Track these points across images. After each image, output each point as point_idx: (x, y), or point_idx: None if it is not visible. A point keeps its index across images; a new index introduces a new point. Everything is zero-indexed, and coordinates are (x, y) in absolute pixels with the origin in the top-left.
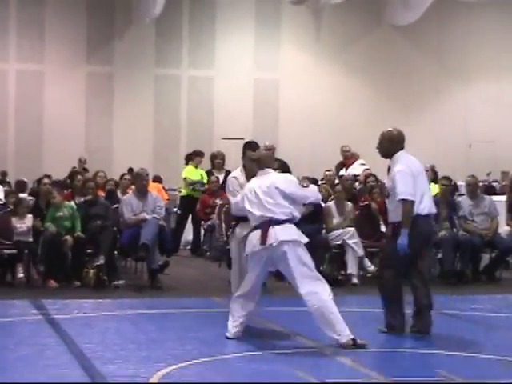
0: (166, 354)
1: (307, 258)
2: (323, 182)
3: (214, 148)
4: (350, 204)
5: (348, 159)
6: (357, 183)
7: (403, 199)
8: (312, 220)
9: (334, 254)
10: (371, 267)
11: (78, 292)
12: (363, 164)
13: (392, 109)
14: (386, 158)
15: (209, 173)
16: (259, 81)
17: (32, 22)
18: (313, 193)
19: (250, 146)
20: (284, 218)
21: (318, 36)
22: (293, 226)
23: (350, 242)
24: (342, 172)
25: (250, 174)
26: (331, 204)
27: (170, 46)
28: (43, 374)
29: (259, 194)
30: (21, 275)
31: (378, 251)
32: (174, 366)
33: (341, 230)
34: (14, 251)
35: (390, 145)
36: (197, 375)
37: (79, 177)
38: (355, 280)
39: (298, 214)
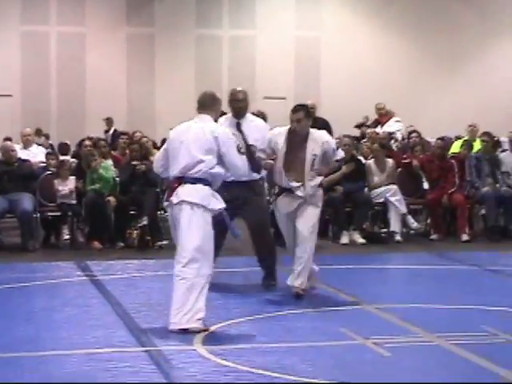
0: (209, 314)
1: (201, 227)
2: (365, 140)
3: (256, 107)
4: (390, 161)
5: (383, 117)
6: (392, 141)
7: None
8: (354, 178)
9: (377, 211)
10: (414, 224)
11: (121, 253)
12: (398, 121)
13: (434, 64)
14: (240, 116)
15: None
16: (301, 39)
17: None
18: (246, 166)
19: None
20: (198, 176)
21: None
22: (205, 188)
23: (392, 199)
24: (377, 130)
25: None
26: (371, 162)
27: (210, 6)
28: (89, 335)
29: (187, 140)
30: (65, 237)
31: (421, 208)
32: (218, 325)
33: (383, 188)
34: (58, 213)
35: (248, 104)
36: (240, 333)
37: (121, 140)
38: (398, 237)
39: (220, 173)
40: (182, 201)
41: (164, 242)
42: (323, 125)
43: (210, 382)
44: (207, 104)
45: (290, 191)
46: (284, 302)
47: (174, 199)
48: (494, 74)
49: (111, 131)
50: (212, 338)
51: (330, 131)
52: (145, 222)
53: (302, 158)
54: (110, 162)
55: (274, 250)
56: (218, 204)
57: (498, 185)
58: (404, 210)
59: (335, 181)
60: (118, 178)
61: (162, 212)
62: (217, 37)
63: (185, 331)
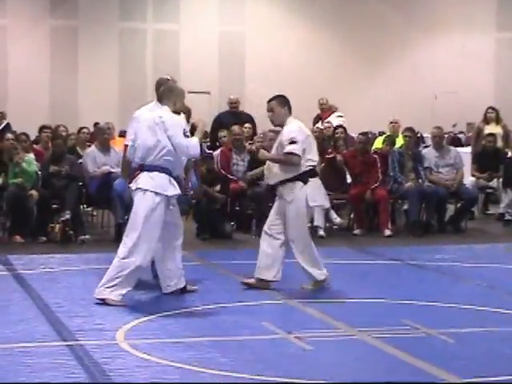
0: (132, 308)
1: (146, 211)
2: None
3: None
4: None
5: (325, 112)
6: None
7: None
8: None
9: None
10: (337, 219)
11: (43, 247)
12: (340, 116)
13: (359, 62)
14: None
15: None
16: (225, 34)
17: None
18: (193, 146)
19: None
20: (155, 164)
21: None
22: (161, 175)
23: None
24: (318, 125)
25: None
26: None
27: (134, 0)
28: (9, 329)
29: (143, 127)
30: None
31: (344, 203)
32: (141, 319)
33: None
34: None
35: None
36: (163, 328)
37: (44, 134)
38: (322, 232)
39: (174, 161)
40: (138, 188)
41: (87, 237)
42: (247, 119)
43: (131, 378)
44: (162, 94)
45: None
46: (207, 297)
47: (133, 186)
48: (416, 70)
49: (1, 126)
50: (134, 333)
51: (254, 126)
52: (67, 216)
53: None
54: (32, 155)
55: None
56: (174, 190)
57: (420, 180)
58: (327, 205)
59: (259, 175)
60: (40, 172)
61: (85, 206)
62: (141, 30)
63: (102, 301)
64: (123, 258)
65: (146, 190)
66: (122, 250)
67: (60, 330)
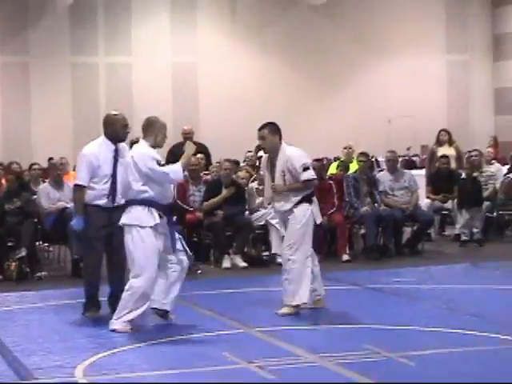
0: (91, 343)
1: (135, 244)
2: (244, 163)
3: (134, 135)
4: None
5: None
6: None
7: None
8: (235, 201)
9: (258, 234)
10: None
11: None
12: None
13: (311, 87)
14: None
15: None
16: (177, 65)
17: None
18: (174, 172)
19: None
20: (134, 198)
21: (234, 17)
22: (138, 208)
23: (273, 221)
24: (261, 153)
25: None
26: (254, 185)
27: (85, 34)
28: None
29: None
30: None
31: None
32: (100, 355)
33: (263, 211)
34: None
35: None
36: (123, 362)
37: None
38: (279, 260)
39: (153, 194)
40: (122, 224)
41: (43, 273)
42: (201, 149)
43: None
44: (144, 129)
45: None
46: (167, 328)
47: (119, 223)
48: (369, 95)
49: None
50: (94, 368)
51: (207, 156)
52: (23, 254)
53: (272, 177)
54: None
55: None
56: (152, 220)
57: (376, 204)
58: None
59: (215, 205)
60: None
61: (41, 242)
62: (93, 64)
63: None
64: (127, 290)
65: (128, 224)
66: (128, 283)
67: (18, 368)
